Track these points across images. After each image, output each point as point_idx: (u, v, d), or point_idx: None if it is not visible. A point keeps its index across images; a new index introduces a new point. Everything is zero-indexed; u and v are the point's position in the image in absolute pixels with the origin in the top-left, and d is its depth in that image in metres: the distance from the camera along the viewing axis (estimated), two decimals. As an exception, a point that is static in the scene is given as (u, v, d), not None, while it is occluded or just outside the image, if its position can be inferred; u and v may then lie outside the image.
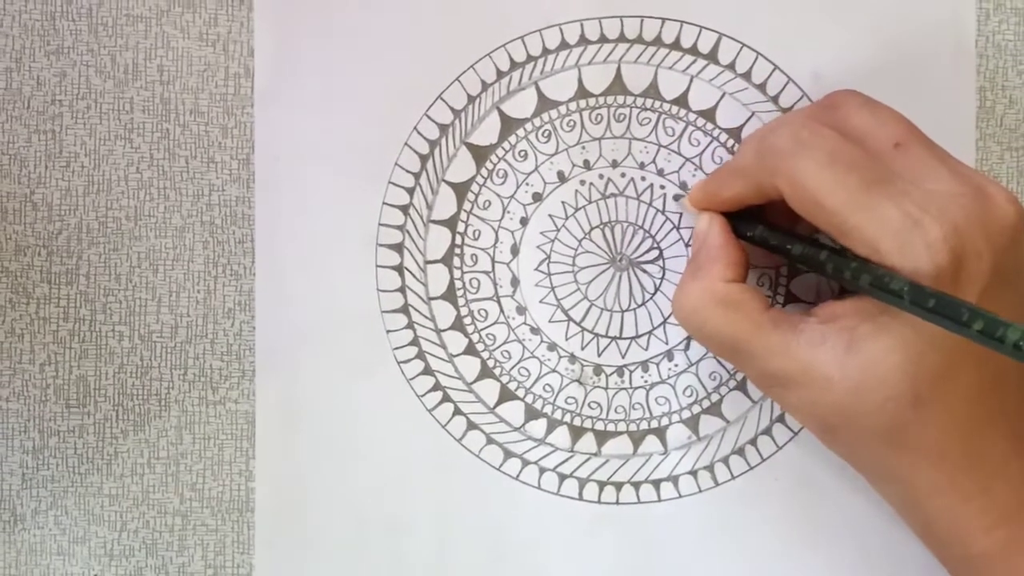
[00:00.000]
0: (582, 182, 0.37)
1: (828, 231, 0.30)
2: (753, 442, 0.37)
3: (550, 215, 0.37)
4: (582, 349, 0.37)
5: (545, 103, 0.36)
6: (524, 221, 0.37)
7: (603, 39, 0.36)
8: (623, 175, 0.37)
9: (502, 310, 0.37)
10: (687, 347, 0.37)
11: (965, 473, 0.30)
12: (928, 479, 0.30)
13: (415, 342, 0.37)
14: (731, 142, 0.36)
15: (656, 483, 0.37)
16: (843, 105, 0.32)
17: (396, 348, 0.36)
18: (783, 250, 0.32)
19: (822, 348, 0.30)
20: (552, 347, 0.37)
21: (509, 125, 0.36)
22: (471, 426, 0.37)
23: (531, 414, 0.37)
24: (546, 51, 0.36)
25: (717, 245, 0.33)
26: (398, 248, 0.36)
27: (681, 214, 0.36)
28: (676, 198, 0.36)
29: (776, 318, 0.31)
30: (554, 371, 0.37)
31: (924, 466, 0.30)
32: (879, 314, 0.29)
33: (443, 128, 0.36)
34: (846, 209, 0.29)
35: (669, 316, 0.37)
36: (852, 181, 0.29)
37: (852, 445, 0.32)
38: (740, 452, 0.37)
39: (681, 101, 0.36)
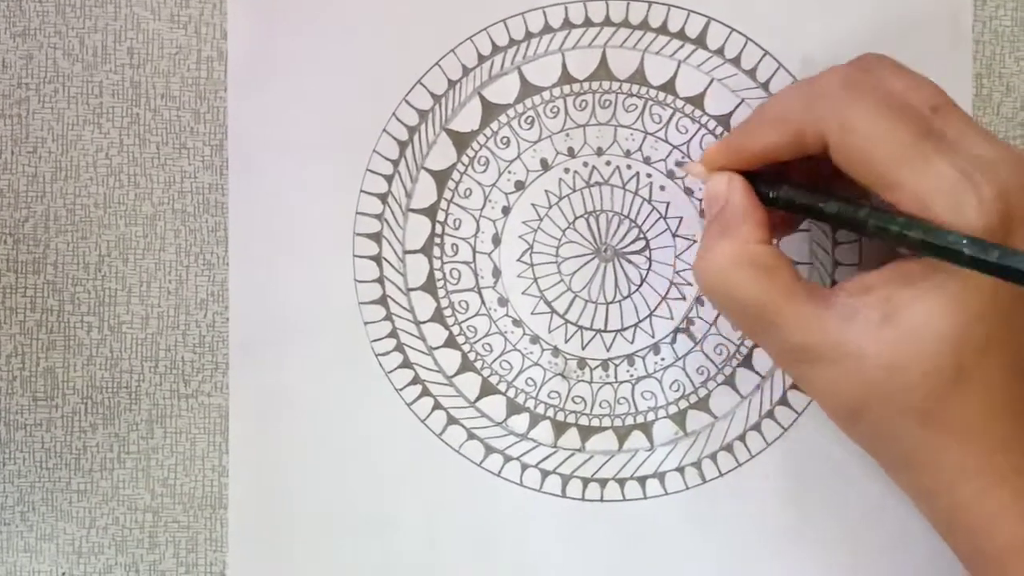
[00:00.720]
0: (566, 170, 0.35)
1: (873, 185, 0.29)
2: (741, 438, 0.36)
3: (533, 204, 0.35)
4: (566, 342, 0.36)
5: (528, 88, 0.35)
6: (506, 210, 0.36)
7: (588, 23, 0.35)
8: (608, 163, 0.35)
9: (483, 301, 0.36)
10: (674, 341, 0.36)
11: (1002, 454, 0.28)
12: (959, 462, 0.29)
13: (394, 334, 0.36)
14: (719, 129, 0.35)
15: (642, 480, 0.36)
16: (877, 68, 0.30)
17: (374, 340, 0.35)
18: (815, 210, 0.30)
19: (855, 322, 0.28)
20: (535, 340, 0.36)
21: (491, 111, 0.35)
22: (451, 421, 0.36)
23: (513, 408, 0.36)
24: (529, 35, 0.35)
25: (742, 204, 0.31)
26: (376, 237, 0.35)
27: (668, 203, 0.35)
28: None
29: (810, 288, 0.30)
30: (537, 364, 0.36)
31: (957, 448, 0.29)
32: (920, 280, 0.28)
33: (423, 114, 0.35)
34: (898, 161, 0.28)
35: (655, 308, 0.36)
36: (906, 131, 0.28)
37: (878, 427, 0.30)
38: (728, 448, 0.36)
39: (668, 87, 0.35)
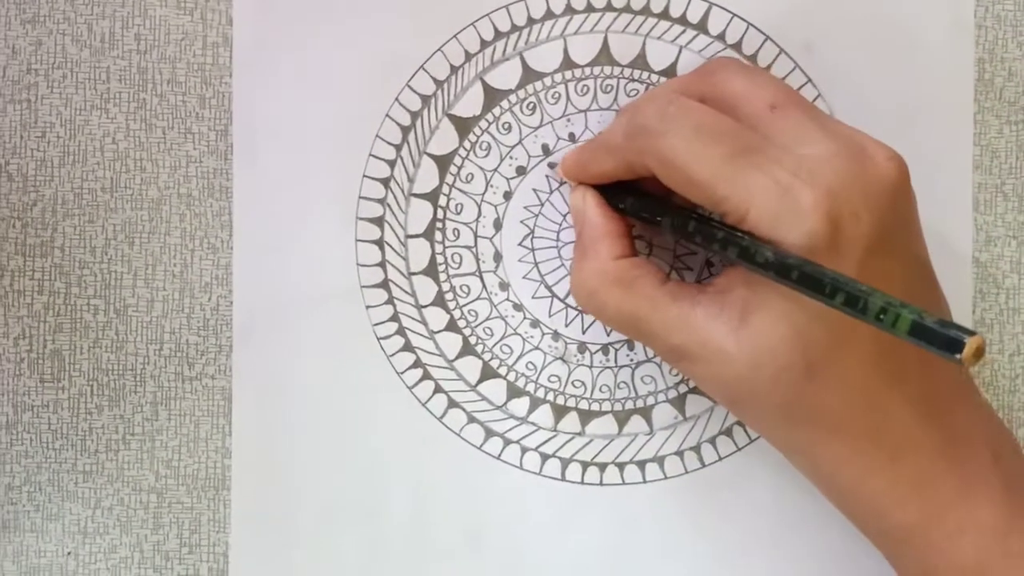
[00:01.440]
0: (567, 155, 0.36)
1: (703, 204, 0.29)
2: (741, 423, 0.36)
3: (534, 189, 0.36)
4: (566, 326, 0.36)
5: (530, 74, 0.36)
6: (508, 195, 0.36)
7: (590, 8, 0.35)
8: (609, 148, 0.36)
9: (484, 286, 0.36)
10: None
11: (870, 443, 0.29)
12: (832, 452, 0.30)
13: (395, 318, 0.36)
14: (720, 114, 0.35)
15: (641, 464, 0.36)
16: (719, 71, 0.31)
17: (376, 324, 0.36)
18: (654, 222, 0.32)
19: (719, 320, 0.29)
20: (535, 324, 0.36)
21: (493, 96, 0.36)
22: (452, 404, 0.36)
23: (514, 392, 0.36)
24: (531, 20, 0.36)
25: (597, 222, 0.32)
26: (378, 222, 0.36)
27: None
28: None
29: (674, 291, 0.30)
30: (537, 348, 0.36)
31: (827, 438, 0.29)
32: (762, 284, 0.28)
33: (425, 99, 0.36)
34: (715, 181, 0.28)
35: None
36: (719, 152, 0.28)
37: (757, 419, 0.31)
38: (728, 433, 0.36)
39: (670, 72, 0.36)
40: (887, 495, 0.29)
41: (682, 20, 0.36)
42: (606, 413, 0.36)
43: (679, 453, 0.36)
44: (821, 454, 0.30)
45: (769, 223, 0.28)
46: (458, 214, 0.36)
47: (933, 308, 0.30)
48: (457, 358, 0.36)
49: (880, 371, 0.29)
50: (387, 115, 0.36)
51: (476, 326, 0.36)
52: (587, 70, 0.36)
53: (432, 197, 0.36)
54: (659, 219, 0.31)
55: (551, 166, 0.35)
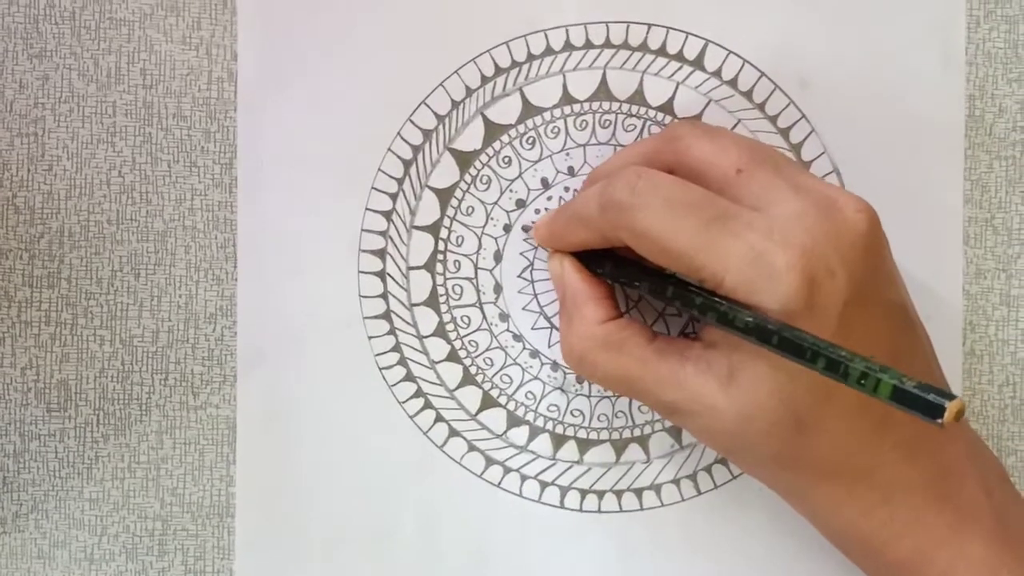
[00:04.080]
0: (566, 188, 0.36)
1: (681, 272, 0.30)
2: (737, 451, 0.36)
3: (534, 222, 0.36)
4: (565, 357, 0.36)
5: (530, 109, 0.36)
6: (507, 228, 0.36)
7: (588, 45, 0.36)
8: (607, 182, 0.36)
9: (485, 317, 0.37)
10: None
11: (863, 485, 0.30)
12: (827, 495, 0.30)
13: (397, 348, 0.36)
14: (716, 149, 0.36)
15: (638, 492, 0.37)
16: (683, 136, 0.31)
17: (378, 354, 0.36)
18: (632, 287, 0.32)
19: (707, 376, 0.30)
20: (535, 354, 0.36)
21: (493, 131, 0.36)
22: (453, 433, 0.36)
23: (513, 421, 0.37)
24: (531, 56, 0.36)
25: (579, 288, 0.33)
26: (380, 254, 0.36)
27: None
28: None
29: (662, 349, 0.31)
30: (536, 378, 0.37)
31: (820, 483, 0.30)
32: (746, 342, 0.29)
33: (427, 133, 0.36)
34: (690, 251, 0.29)
35: (652, 324, 0.36)
36: (691, 223, 0.29)
37: (752, 466, 0.32)
38: (723, 461, 0.36)
39: (667, 108, 0.36)
40: (881, 534, 0.30)
41: (679, 57, 0.36)
42: (604, 442, 0.37)
43: (676, 481, 0.37)
44: (816, 498, 0.31)
45: (746, 288, 0.28)
46: (459, 246, 0.36)
47: (914, 352, 0.31)
48: (458, 388, 0.37)
49: (867, 418, 0.29)
50: (389, 149, 0.36)
51: (476, 356, 0.37)
52: (586, 105, 0.36)
53: (433, 229, 0.36)
54: (637, 284, 0.32)
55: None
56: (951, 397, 0.23)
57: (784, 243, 0.28)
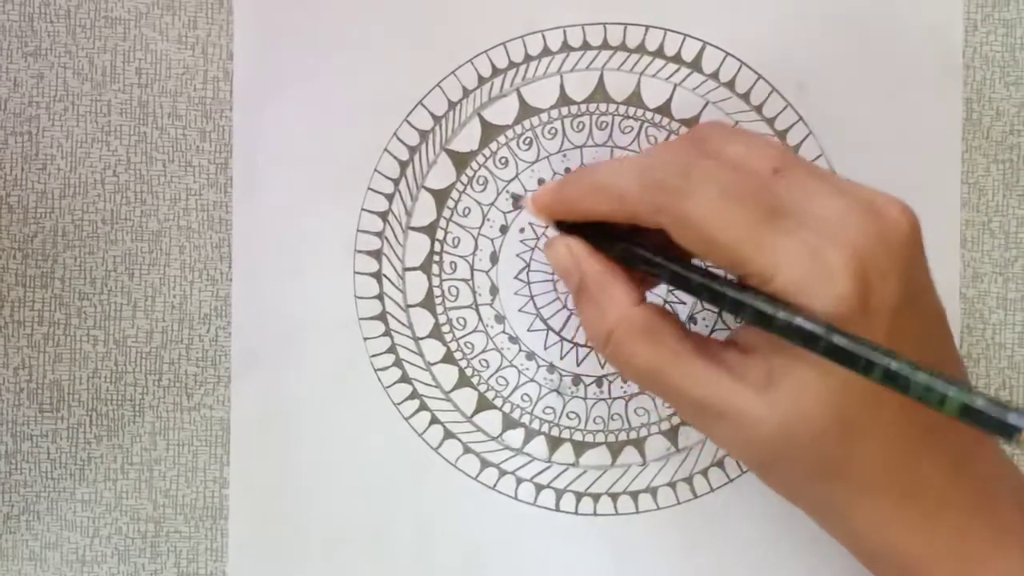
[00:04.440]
0: (563, 190, 0.36)
1: (720, 266, 0.28)
2: (733, 454, 0.36)
3: (530, 223, 0.36)
4: (561, 359, 0.36)
5: (527, 110, 0.36)
6: (504, 229, 0.36)
7: (586, 46, 0.36)
8: (604, 183, 0.36)
9: (480, 318, 0.36)
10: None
11: (908, 502, 0.28)
12: (869, 512, 0.29)
13: (392, 350, 0.36)
14: (714, 151, 0.36)
15: (634, 495, 0.36)
16: (712, 137, 0.30)
17: (373, 356, 0.36)
18: (653, 271, 0.30)
19: (745, 382, 0.28)
20: (531, 356, 0.36)
21: (490, 132, 0.36)
22: (448, 435, 0.36)
23: (509, 424, 0.36)
24: (528, 57, 0.36)
25: (600, 268, 0.30)
26: (376, 255, 0.36)
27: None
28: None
29: (699, 345, 0.29)
30: (532, 380, 0.36)
31: (864, 499, 0.29)
32: (788, 345, 0.27)
33: (423, 134, 0.36)
34: (742, 245, 0.27)
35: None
36: (746, 215, 0.27)
37: (787, 482, 0.30)
38: (719, 464, 0.36)
39: (664, 110, 0.36)
40: (924, 554, 0.29)
41: (676, 59, 0.36)
42: (600, 444, 0.36)
43: (672, 484, 0.36)
44: (857, 514, 0.29)
45: (796, 288, 0.27)
46: (455, 247, 0.36)
47: (953, 365, 0.30)
48: (453, 389, 0.36)
49: (914, 424, 0.28)
50: (386, 149, 0.36)
51: (472, 358, 0.36)
52: (583, 107, 0.36)
53: (430, 231, 0.36)
54: (661, 269, 0.29)
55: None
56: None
57: (837, 243, 0.26)
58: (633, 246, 0.30)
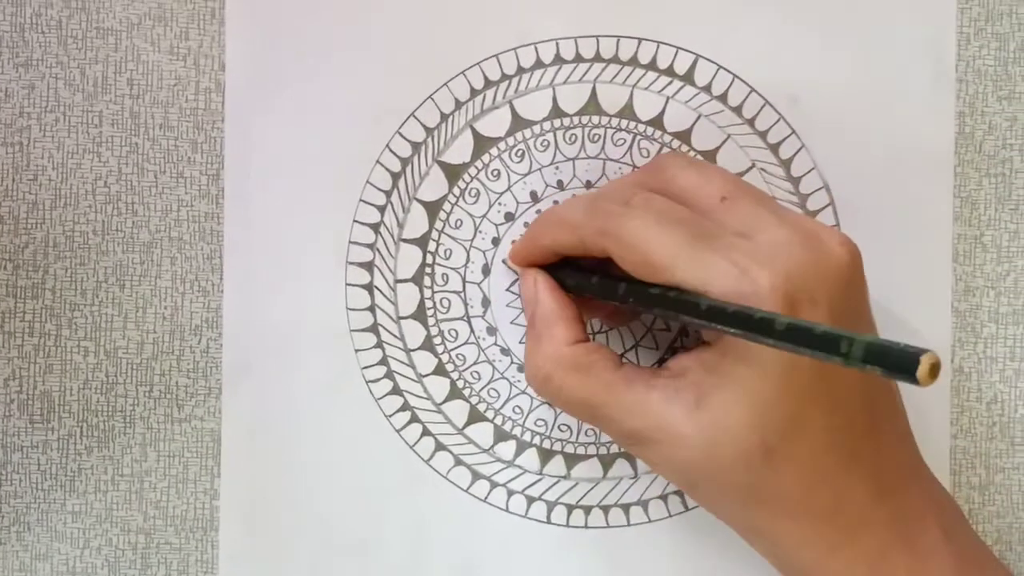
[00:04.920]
0: (555, 202, 0.36)
1: (660, 284, 0.29)
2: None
3: (522, 235, 0.36)
4: (552, 371, 0.36)
5: (519, 122, 0.36)
6: (496, 241, 0.36)
7: (578, 58, 0.36)
8: (597, 196, 0.36)
9: (472, 330, 0.36)
10: (658, 371, 0.36)
11: (828, 523, 0.29)
12: (791, 532, 0.30)
13: (384, 361, 0.36)
14: (706, 164, 0.36)
15: (625, 507, 0.36)
16: (669, 167, 0.32)
17: (365, 367, 0.36)
18: (609, 293, 0.31)
19: (674, 404, 0.29)
20: (522, 368, 0.36)
21: (482, 144, 0.36)
22: (439, 447, 0.36)
23: (500, 436, 0.36)
24: (521, 70, 0.36)
25: (551, 307, 0.32)
26: (368, 267, 0.36)
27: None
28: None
29: (629, 375, 0.30)
30: (524, 393, 0.36)
31: (785, 519, 0.29)
32: (719, 365, 0.29)
33: (415, 146, 0.36)
34: (674, 264, 0.29)
35: (641, 339, 0.36)
36: (678, 237, 0.29)
37: (713, 501, 0.31)
38: (711, 478, 0.36)
39: (656, 122, 0.36)
40: (845, 574, 0.30)
41: (669, 71, 0.36)
42: (591, 457, 0.36)
43: (663, 497, 0.36)
44: (780, 535, 0.30)
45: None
46: (447, 259, 0.36)
47: (885, 392, 0.31)
48: (445, 401, 0.36)
49: (834, 452, 0.29)
50: (378, 161, 0.36)
51: (464, 370, 0.36)
52: (575, 119, 0.36)
53: (421, 242, 0.36)
54: (617, 289, 0.31)
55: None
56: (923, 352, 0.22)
57: (769, 266, 0.28)
58: (588, 274, 0.32)
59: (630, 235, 0.29)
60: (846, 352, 0.23)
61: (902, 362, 0.22)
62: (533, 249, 0.34)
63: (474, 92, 0.36)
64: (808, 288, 0.28)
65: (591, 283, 0.32)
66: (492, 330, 0.36)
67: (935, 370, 0.22)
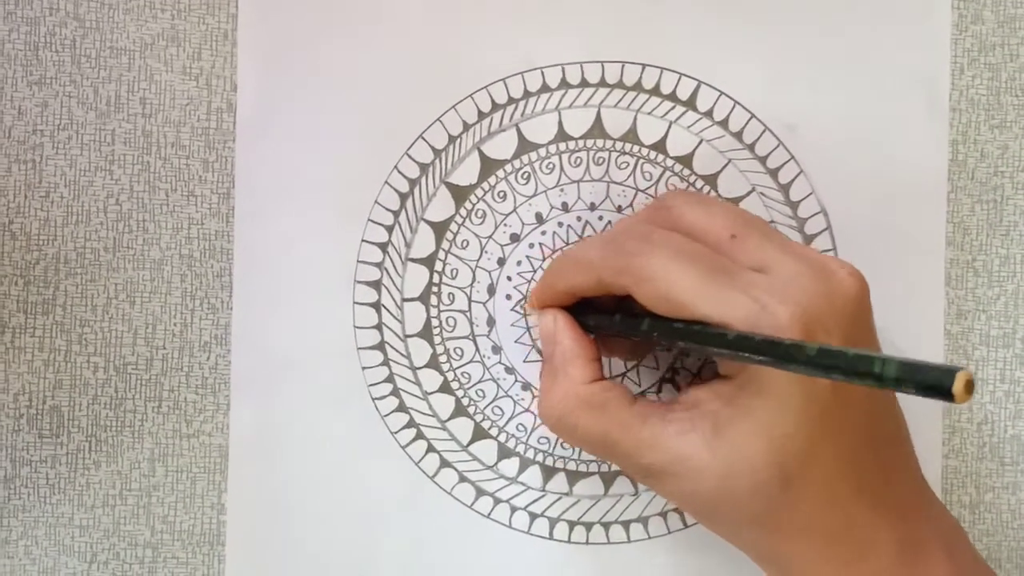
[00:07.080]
0: (560, 224, 0.37)
1: (681, 320, 0.30)
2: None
3: (527, 256, 0.37)
4: (556, 390, 0.37)
5: (525, 145, 0.37)
6: (501, 261, 0.37)
7: (584, 83, 0.37)
8: (601, 218, 0.37)
9: (478, 349, 0.37)
10: (659, 390, 0.37)
11: (840, 544, 0.30)
12: (805, 555, 0.31)
13: (390, 379, 0.37)
14: (707, 188, 0.37)
15: (626, 524, 0.37)
16: (676, 205, 0.32)
17: (371, 384, 0.37)
18: (631, 330, 0.32)
19: (691, 436, 0.30)
20: (526, 386, 0.37)
21: (489, 166, 0.37)
22: (444, 463, 0.37)
23: (504, 453, 0.37)
24: (527, 94, 0.37)
25: (569, 345, 0.33)
26: (376, 285, 0.37)
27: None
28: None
29: (644, 412, 0.31)
30: (528, 411, 0.37)
31: (799, 543, 0.30)
32: (737, 397, 0.30)
33: (423, 167, 0.37)
34: (696, 299, 0.29)
35: (642, 359, 0.37)
36: (697, 273, 0.29)
37: (730, 529, 0.32)
38: (710, 495, 0.37)
39: (659, 147, 0.37)
40: None
41: (672, 97, 0.37)
42: (593, 474, 0.37)
43: (663, 514, 0.37)
44: (792, 556, 0.31)
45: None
46: (453, 279, 0.37)
47: (891, 421, 0.32)
48: (450, 419, 0.37)
49: (845, 479, 0.30)
50: (386, 182, 0.37)
51: (469, 388, 0.37)
52: (580, 142, 0.37)
53: (428, 262, 0.37)
54: (640, 326, 0.31)
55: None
56: (957, 370, 0.22)
57: (785, 300, 0.29)
58: (614, 314, 0.33)
59: (652, 272, 0.30)
60: (879, 373, 0.23)
61: (937, 380, 0.22)
62: (551, 292, 0.34)
63: (481, 115, 0.37)
64: (823, 319, 0.29)
65: (613, 320, 0.33)
66: (497, 349, 0.37)
67: (970, 387, 0.22)
